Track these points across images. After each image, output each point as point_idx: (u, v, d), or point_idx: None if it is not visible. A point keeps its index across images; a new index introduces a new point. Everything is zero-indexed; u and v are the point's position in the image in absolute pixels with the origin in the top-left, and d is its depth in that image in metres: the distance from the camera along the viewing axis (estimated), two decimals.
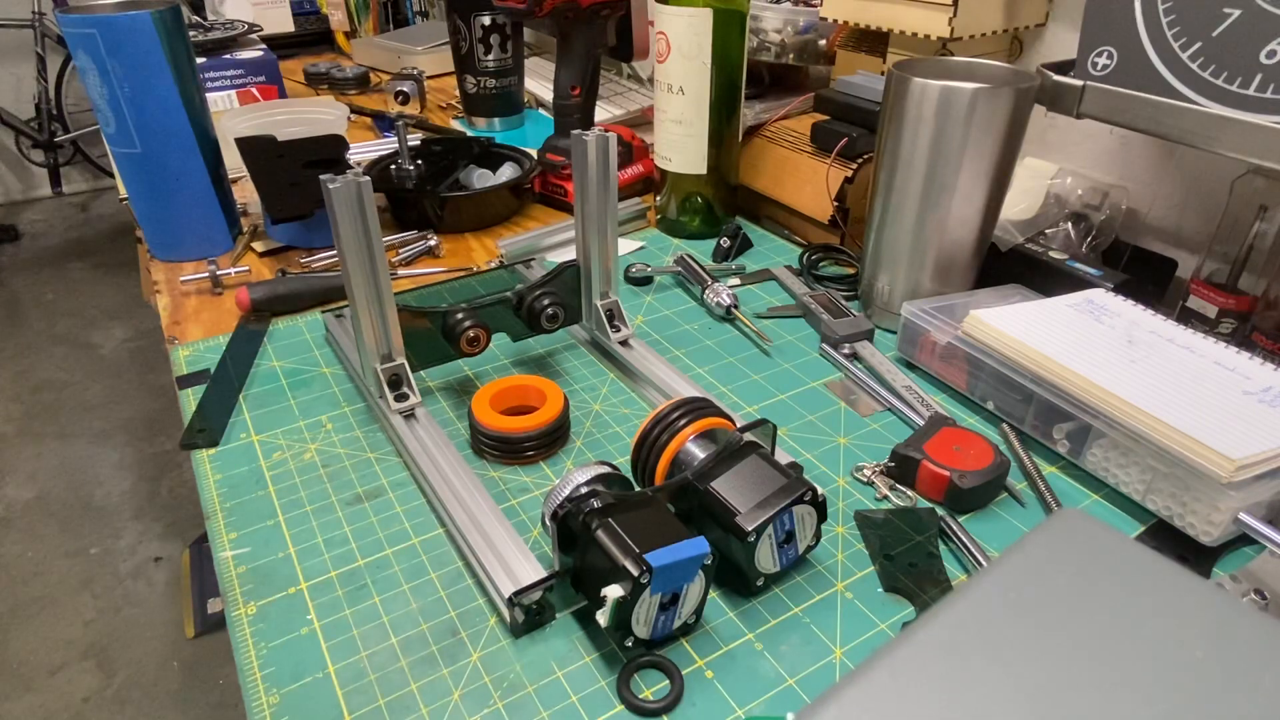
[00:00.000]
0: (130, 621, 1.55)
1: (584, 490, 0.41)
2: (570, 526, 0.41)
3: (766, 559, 0.43)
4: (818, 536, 0.45)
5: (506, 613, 0.42)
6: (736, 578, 0.45)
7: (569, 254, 0.80)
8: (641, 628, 0.39)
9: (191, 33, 1.23)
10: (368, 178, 0.48)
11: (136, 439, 2.02)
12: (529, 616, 0.42)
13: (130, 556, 1.69)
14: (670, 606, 0.40)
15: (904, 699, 0.28)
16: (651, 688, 0.40)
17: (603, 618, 0.38)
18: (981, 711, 0.27)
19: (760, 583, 0.44)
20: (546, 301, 0.60)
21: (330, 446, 0.55)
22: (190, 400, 0.59)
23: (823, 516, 0.44)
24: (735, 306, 0.69)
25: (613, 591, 0.37)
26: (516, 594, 0.41)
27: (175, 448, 1.97)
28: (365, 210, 0.49)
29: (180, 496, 1.85)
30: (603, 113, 1.08)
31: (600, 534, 0.40)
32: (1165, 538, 0.48)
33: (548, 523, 0.42)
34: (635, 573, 0.37)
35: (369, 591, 0.45)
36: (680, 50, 0.76)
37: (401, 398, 0.55)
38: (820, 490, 0.43)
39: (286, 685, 0.40)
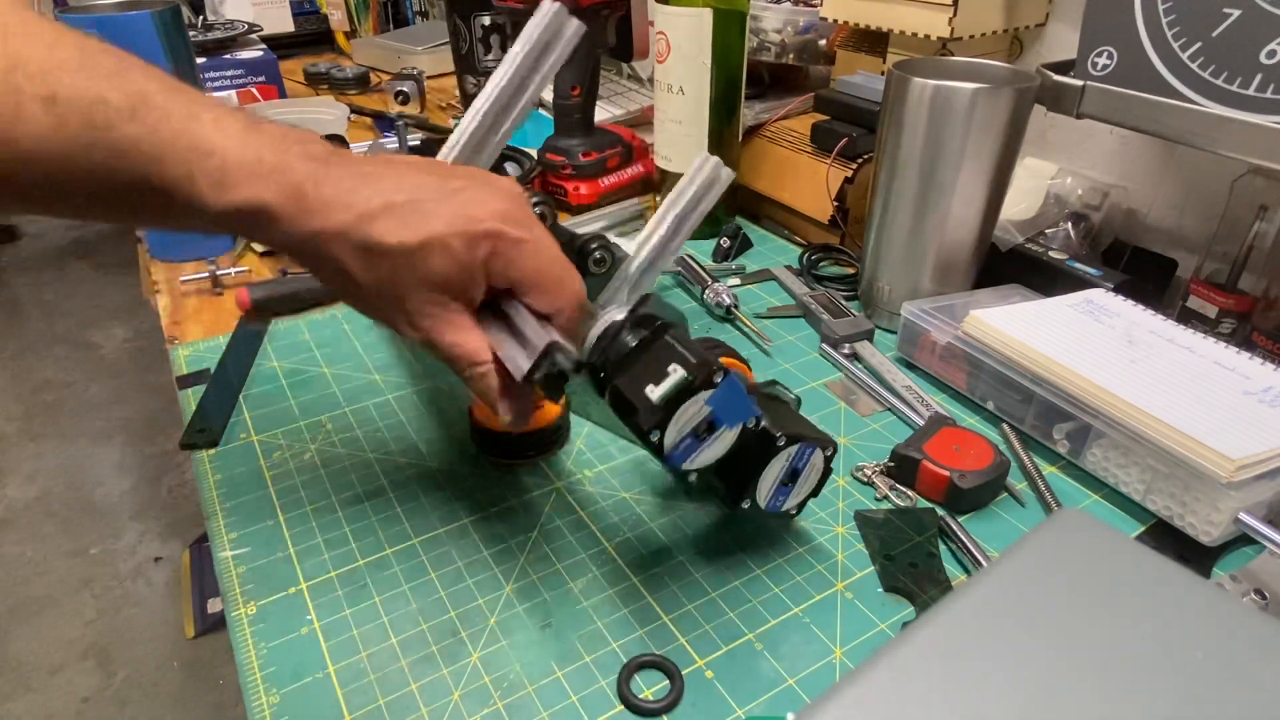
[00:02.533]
0: (130, 621, 1.55)
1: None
2: (614, 353, 0.40)
3: (774, 474, 0.43)
4: (815, 492, 0.45)
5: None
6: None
7: None
8: (678, 450, 0.38)
9: (191, 33, 1.23)
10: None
11: (136, 439, 2.02)
12: (553, 380, 0.39)
13: (130, 556, 1.69)
14: (707, 435, 0.39)
15: (904, 699, 0.28)
16: (651, 688, 0.40)
17: (655, 394, 0.37)
18: (981, 711, 0.27)
19: (746, 505, 0.43)
20: (594, 246, 0.59)
21: (330, 446, 0.55)
22: (190, 400, 0.59)
23: (826, 474, 0.45)
24: (735, 306, 0.69)
25: (677, 371, 0.37)
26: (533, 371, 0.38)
27: (175, 448, 1.96)
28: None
29: (180, 496, 1.85)
30: (603, 113, 1.08)
31: (669, 338, 0.39)
32: (1165, 538, 0.48)
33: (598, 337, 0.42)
34: (711, 366, 0.37)
35: (369, 591, 0.45)
36: (680, 50, 0.76)
37: None
38: (835, 446, 0.45)
39: (286, 685, 0.40)
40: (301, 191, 0.35)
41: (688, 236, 0.46)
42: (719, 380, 0.38)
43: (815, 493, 0.45)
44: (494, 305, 0.39)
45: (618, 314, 0.43)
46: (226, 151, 0.34)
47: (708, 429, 0.39)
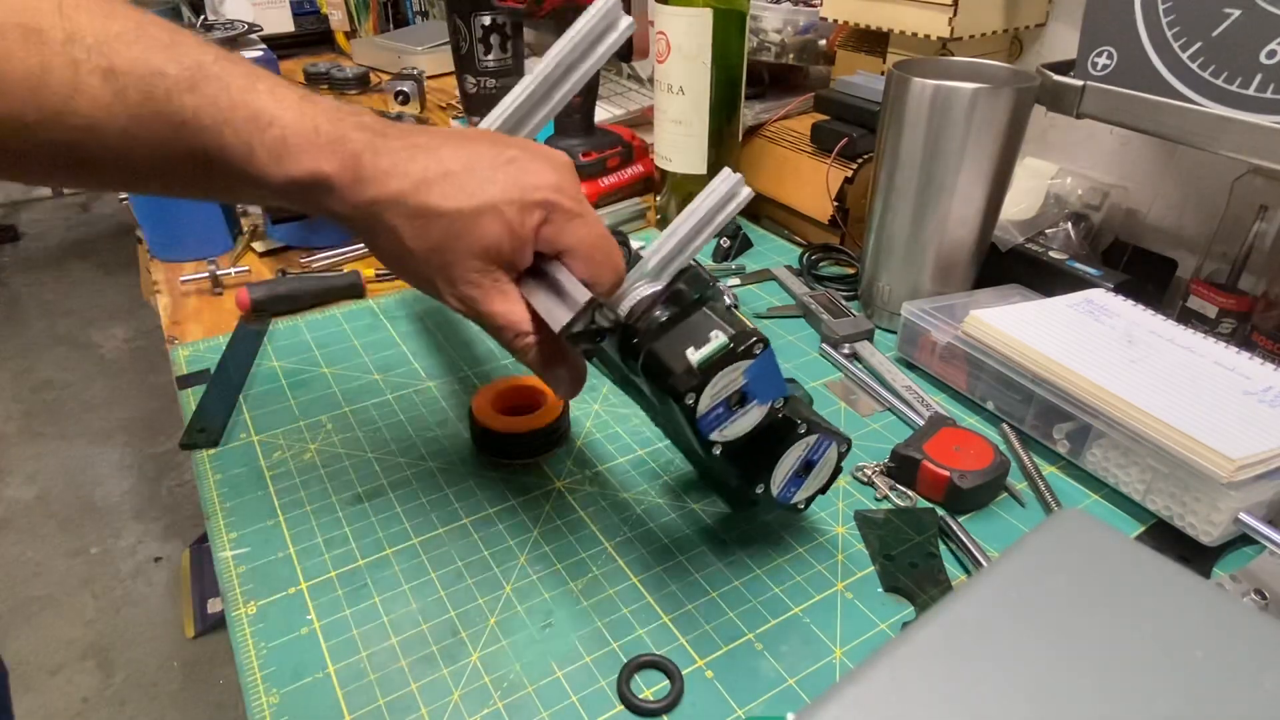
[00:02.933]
0: (130, 621, 1.55)
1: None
2: (650, 319, 0.41)
3: (788, 464, 0.43)
4: (824, 488, 0.46)
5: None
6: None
7: None
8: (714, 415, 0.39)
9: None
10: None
11: (136, 439, 2.02)
12: (588, 336, 0.40)
13: (130, 556, 1.69)
14: (738, 407, 0.39)
15: (904, 699, 0.28)
16: (651, 688, 0.40)
17: (695, 356, 0.37)
18: (981, 711, 0.27)
19: (760, 489, 0.43)
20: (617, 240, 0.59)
21: (330, 446, 0.55)
22: (190, 400, 0.59)
23: (837, 471, 0.46)
24: (735, 306, 0.69)
25: (719, 336, 0.37)
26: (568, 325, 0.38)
27: (175, 448, 1.96)
28: None
29: (180, 496, 1.85)
30: (603, 113, 1.08)
31: (707, 309, 0.40)
32: (1165, 538, 0.48)
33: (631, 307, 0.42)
34: (753, 337, 0.38)
35: (369, 591, 0.45)
36: (680, 50, 0.75)
37: None
38: (850, 443, 0.45)
39: (286, 685, 0.40)
40: (359, 161, 0.35)
41: (701, 247, 0.47)
42: (758, 351, 0.38)
43: (824, 489, 0.46)
44: (535, 268, 0.40)
45: (656, 285, 0.43)
46: (285, 122, 0.34)
47: (739, 401, 0.39)
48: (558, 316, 0.38)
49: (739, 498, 0.50)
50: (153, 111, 0.32)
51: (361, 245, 0.81)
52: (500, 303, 0.39)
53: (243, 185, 0.35)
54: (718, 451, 0.40)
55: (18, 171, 0.35)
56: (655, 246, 0.47)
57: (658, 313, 0.41)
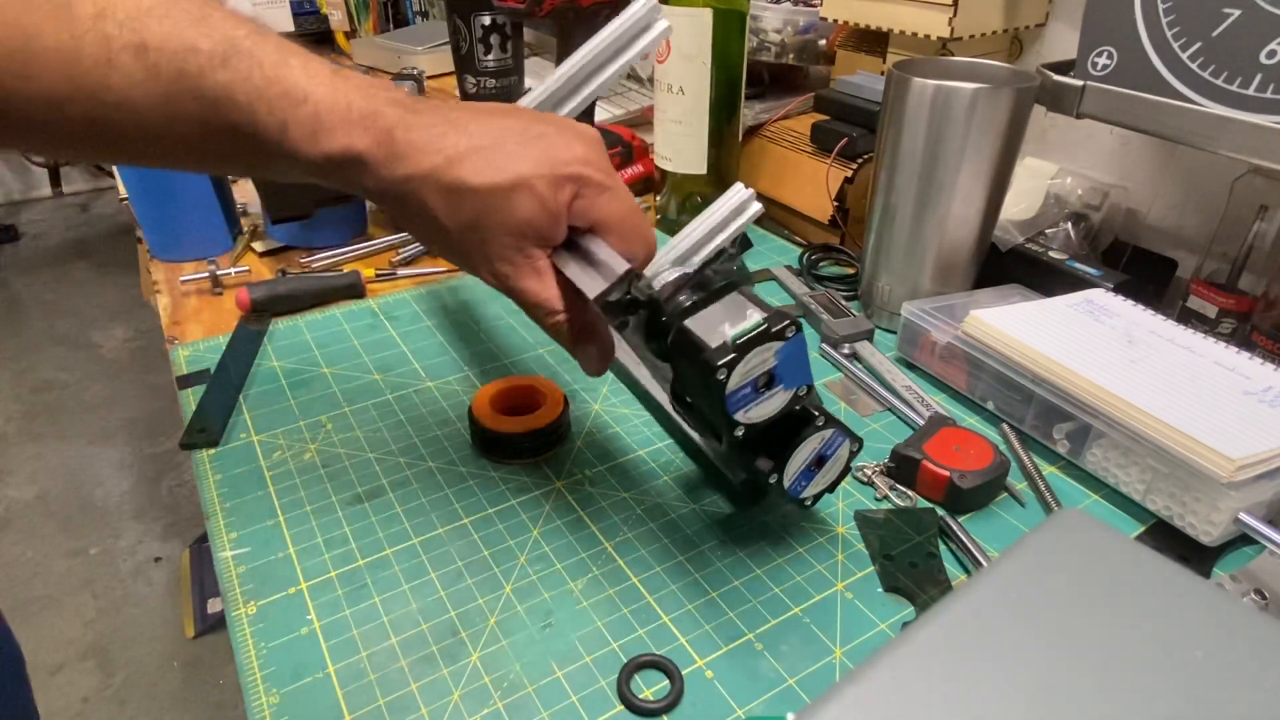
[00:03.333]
0: (130, 621, 1.55)
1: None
2: (682, 299, 0.41)
3: (801, 458, 0.44)
4: (832, 487, 0.46)
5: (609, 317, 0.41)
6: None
7: None
8: (741, 395, 0.39)
9: None
10: None
11: (136, 439, 2.02)
12: (622, 307, 0.40)
13: (130, 556, 1.69)
14: (765, 389, 0.40)
15: (904, 699, 0.28)
16: (651, 688, 0.40)
17: (730, 332, 0.37)
18: (981, 711, 0.27)
19: (773, 479, 0.43)
20: None
21: (330, 446, 0.55)
22: (190, 400, 0.59)
23: (846, 471, 0.46)
24: None
25: (754, 314, 0.38)
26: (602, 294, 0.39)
27: (175, 448, 1.97)
28: None
29: (180, 496, 1.85)
30: (603, 113, 1.08)
31: (740, 292, 0.40)
32: (1165, 538, 0.48)
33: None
34: (787, 319, 0.38)
35: (369, 591, 0.45)
36: (680, 50, 0.75)
37: None
38: (861, 443, 0.46)
39: (286, 685, 0.40)
40: (392, 137, 0.36)
41: (707, 256, 0.48)
42: (791, 334, 0.38)
43: (832, 487, 0.46)
44: (569, 241, 0.40)
45: (686, 269, 0.44)
46: (318, 98, 0.34)
47: (767, 383, 0.39)
48: (594, 286, 0.38)
49: (745, 492, 0.50)
50: (185, 88, 0.32)
51: (361, 245, 0.81)
52: (533, 279, 0.39)
53: (276, 161, 0.36)
54: (740, 433, 0.40)
55: (52, 149, 0.35)
56: (670, 245, 0.47)
57: (690, 292, 0.42)
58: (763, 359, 0.38)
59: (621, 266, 0.38)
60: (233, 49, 0.33)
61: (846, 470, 0.46)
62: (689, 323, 0.40)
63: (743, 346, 0.37)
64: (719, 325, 0.38)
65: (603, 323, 0.42)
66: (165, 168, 0.38)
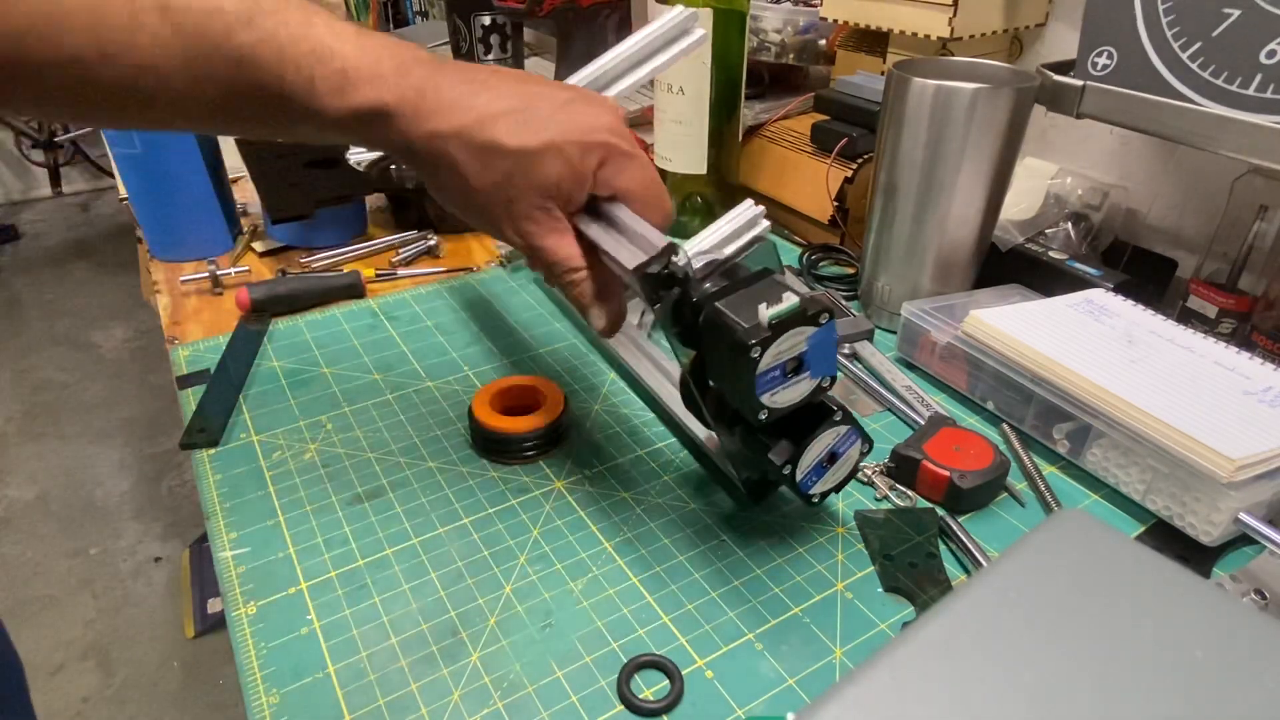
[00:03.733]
0: (130, 621, 1.55)
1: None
2: (714, 282, 0.41)
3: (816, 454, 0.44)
4: (838, 488, 0.46)
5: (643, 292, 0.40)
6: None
7: None
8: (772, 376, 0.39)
9: None
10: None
11: (136, 439, 2.02)
12: (660, 282, 0.41)
13: (130, 556, 1.69)
14: (792, 375, 0.40)
15: (904, 699, 0.28)
16: (651, 688, 0.40)
17: (767, 312, 0.37)
18: (981, 711, 0.27)
19: (787, 470, 0.43)
20: None
21: (330, 446, 0.55)
22: (190, 400, 0.59)
23: (854, 472, 0.46)
24: None
25: (791, 297, 0.38)
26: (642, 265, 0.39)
27: (175, 448, 1.96)
28: None
29: (180, 496, 1.85)
30: None
31: (775, 278, 0.41)
32: (1165, 538, 0.48)
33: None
34: (822, 305, 0.38)
35: (369, 591, 0.45)
36: None
37: None
38: (872, 444, 0.46)
39: (286, 685, 0.40)
40: (421, 93, 0.36)
41: (737, 249, 0.49)
42: (824, 321, 0.39)
43: (838, 488, 0.46)
44: (593, 209, 0.41)
45: (718, 255, 0.45)
46: (345, 55, 0.35)
47: (795, 368, 0.40)
48: (633, 256, 0.39)
49: (749, 490, 0.50)
50: (211, 48, 0.33)
51: (361, 245, 0.81)
52: (555, 237, 0.40)
53: (302, 121, 0.36)
54: (763, 416, 0.40)
55: (80, 114, 0.35)
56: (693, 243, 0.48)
57: (720, 277, 0.42)
58: (794, 342, 0.39)
59: (661, 240, 0.39)
60: (257, 9, 0.33)
61: (854, 472, 0.46)
62: (724, 302, 0.40)
63: (778, 326, 0.38)
64: (757, 304, 0.38)
65: (617, 284, 0.43)
66: (194, 131, 0.39)
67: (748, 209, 0.49)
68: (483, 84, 0.38)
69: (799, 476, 0.43)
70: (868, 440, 0.45)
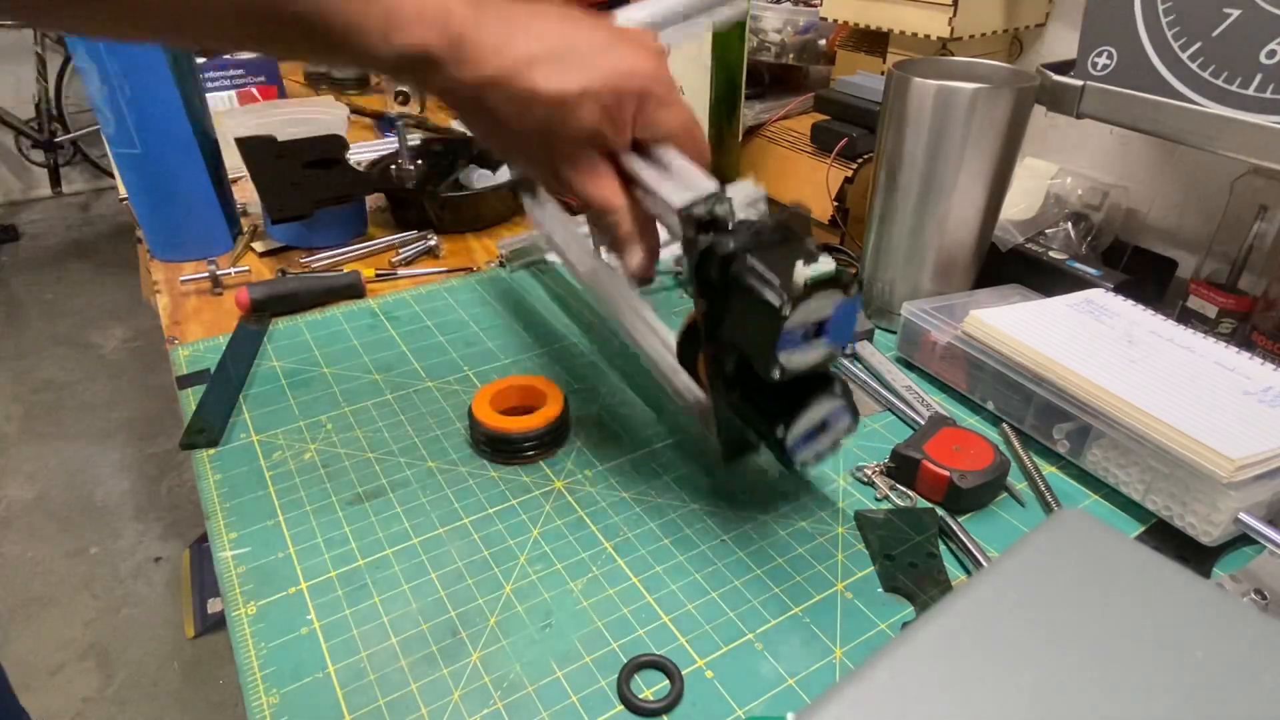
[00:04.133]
0: (130, 621, 1.55)
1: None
2: (748, 238, 0.41)
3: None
4: (818, 458, 0.46)
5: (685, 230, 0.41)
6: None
7: (571, 254, 0.80)
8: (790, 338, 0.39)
9: None
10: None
11: (136, 439, 2.02)
12: (703, 226, 0.41)
13: (130, 556, 1.69)
14: (812, 338, 0.41)
15: (904, 699, 0.28)
16: (651, 688, 0.40)
17: (805, 270, 0.38)
18: (981, 711, 0.27)
19: (781, 434, 0.44)
20: None
21: (330, 446, 0.55)
22: (190, 400, 0.59)
23: (836, 445, 0.47)
24: None
25: (829, 261, 0.38)
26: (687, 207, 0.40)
27: (175, 448, 1.96)
28: None
29: (180, 496, 1.85)
30: None
31: (809, 243, 0.41)
32: (1165, 538, 0.48)
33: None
34: (853, 275, 0.39)
35: (369, 591, 0.45)
36: (680, 50, 0.75)
37: None
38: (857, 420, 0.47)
39: (286, 685, 0.40)
40: (461, 37, 0.36)
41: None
42: (852, 292, 0.40)
43: (818, 458, 0.47)
44: (640, 148, 0.42)
45: (751, 215, 0.45)
46: None
47: (816, 332, 0.40)
48: (681, 196, 0.39)
49: (725, 450, 0.52)
50: None
51: (361, 245, 0.81)
52: (596, 182, 0.41)
53: (347, 56, 0.36)
54: (776, 375, 0.40)
55: (111, 26, 0.36)
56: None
57: (760, 233, 0.42)
58: (823, 305, 0.39)
59: (709, 184, 0.39)
60: None
61: (837, 446, 0.47)
62: (762, 256, 0.40)
63: (813, 286, 0.38)
64: (788, 264, 0.38)
65: (652, 225, 0.44)
66: (233, 50, 0.40)
67: (750, 188, 0.50)
68: (522, 26, 0.38)
69: (791, 441, 0.44)
70: (855, 418, 0.46)
